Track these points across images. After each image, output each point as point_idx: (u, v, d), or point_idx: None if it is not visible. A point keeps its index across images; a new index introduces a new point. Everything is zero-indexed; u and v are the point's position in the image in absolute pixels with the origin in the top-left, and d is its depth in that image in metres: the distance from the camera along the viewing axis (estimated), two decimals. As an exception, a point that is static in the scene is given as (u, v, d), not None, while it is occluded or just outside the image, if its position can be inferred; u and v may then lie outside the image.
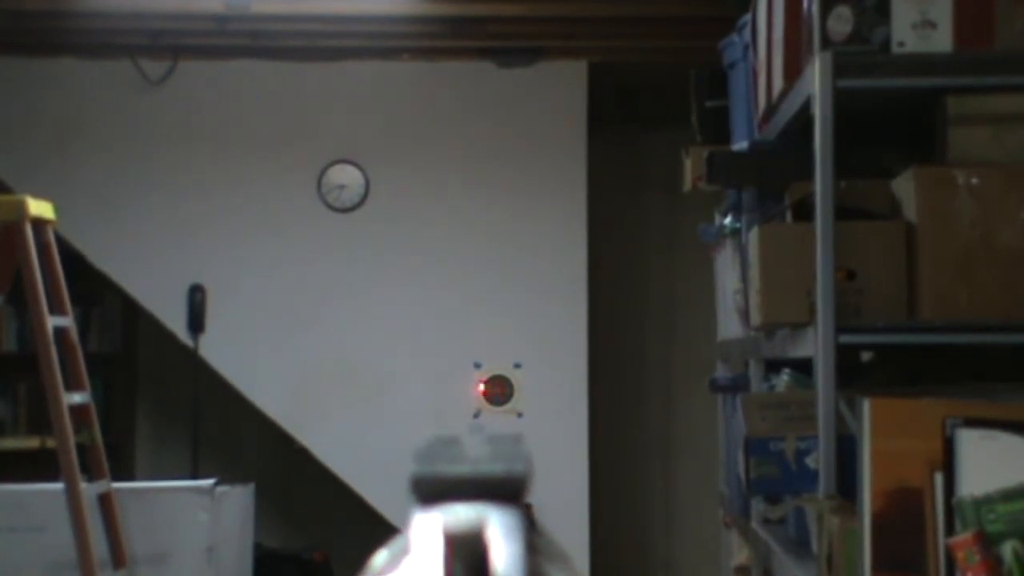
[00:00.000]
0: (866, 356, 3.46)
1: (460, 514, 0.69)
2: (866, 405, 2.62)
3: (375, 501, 7.02)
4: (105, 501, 5.60)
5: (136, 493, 6.05)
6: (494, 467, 0.72)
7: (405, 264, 7.12)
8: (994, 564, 2.40)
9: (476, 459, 0.73)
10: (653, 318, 8.08)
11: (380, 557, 0.72)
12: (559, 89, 7.12)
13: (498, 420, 7.04)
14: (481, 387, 7.08)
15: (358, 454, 7.03)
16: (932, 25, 3.10)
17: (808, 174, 3.15)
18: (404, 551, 0.70)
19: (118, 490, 5.72)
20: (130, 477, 7.32)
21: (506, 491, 0.71)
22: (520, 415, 7.08)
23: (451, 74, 7.13)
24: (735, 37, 4.55)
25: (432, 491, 0.71)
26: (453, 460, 0.72)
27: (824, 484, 3.08)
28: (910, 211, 3.13)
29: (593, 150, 7.19)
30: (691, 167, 5.05)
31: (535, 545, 0.71)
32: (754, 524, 4.28)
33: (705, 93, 5.00)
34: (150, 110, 7.07)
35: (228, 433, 7.69)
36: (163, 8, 6.36)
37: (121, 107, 7.06)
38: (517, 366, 7.09)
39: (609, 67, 7.13)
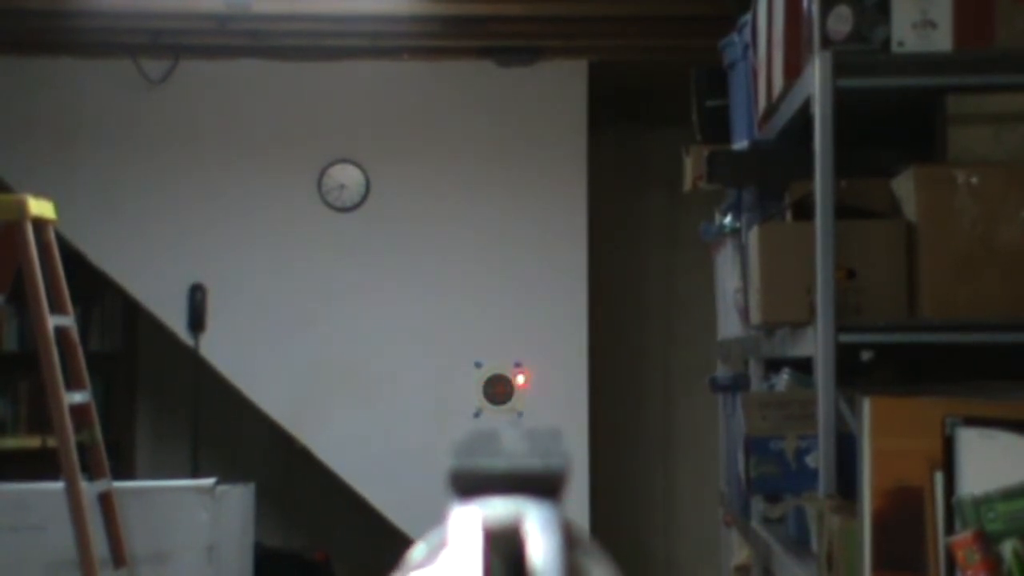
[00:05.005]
0: (866, 355, 3.46)
1: (498, 508, 0.69)
2: (866, 404, 2.62)
3: (375, 501, 7.03)
4: (105, 500, 5.60)
5: (136, 492, 6.05)
6: (532, 461, 0.72)
7: (405, 263, 7.12)
8: (994, 563, 2.40)
9: (514, 453, 0.73)
10: (653, 317, 8.07)
11: (418, 550, 0.72)
12: (559, 88, 7.12)
13: (498, 420, 7.03)
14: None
15: (359, 454, 7.03)
16: (932, 24, 3.10)
17: (808, 173, 3.15)
18: (442, 544, 0.70)
19: (118, 489, 5.72)
20: (130, 476, 7.31)
21: (544, 485, 0.71)
22: (520, 414, 7.08)
23: (451, 74, 7.13)
24: (735, 36, 4.54)
25: (470, 485, 0.71)
26: (491, 454, 0.72)
27: (824, 483, 3.08)
28: (910, 210, 3.13)
29: (593, 149, 7.19)
30: (691, 166, 5.05)
31: (573, 540, 0.71)
32: (754, 523, 4.28)
33: (705, 92, 5.00)
34: (150, 110, 7.07)
35: (228, 433, 7.69)
36: (163, 8, 6.36)
37: (121, 107, 7.06)
38: (517, 365, 7.09)
39: (609, 67, 7.13)
